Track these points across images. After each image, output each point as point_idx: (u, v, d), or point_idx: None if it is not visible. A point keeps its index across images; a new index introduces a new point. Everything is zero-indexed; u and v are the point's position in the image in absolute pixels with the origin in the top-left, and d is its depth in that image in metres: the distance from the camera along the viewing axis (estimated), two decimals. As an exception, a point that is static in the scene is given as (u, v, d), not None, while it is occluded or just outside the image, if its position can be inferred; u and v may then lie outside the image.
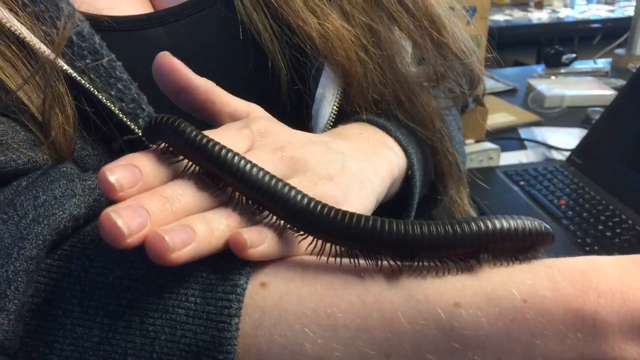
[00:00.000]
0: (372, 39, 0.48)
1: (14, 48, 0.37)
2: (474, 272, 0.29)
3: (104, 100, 0.39)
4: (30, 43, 0.37)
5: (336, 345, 0.27)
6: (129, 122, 0.40)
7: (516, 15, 3.30)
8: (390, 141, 0.49)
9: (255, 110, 0.41)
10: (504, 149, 1.39)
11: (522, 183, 1.26)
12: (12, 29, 0.37)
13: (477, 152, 1.32)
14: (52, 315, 0.28)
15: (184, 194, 0.30)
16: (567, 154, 1.37)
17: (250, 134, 0.36)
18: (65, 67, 0.38)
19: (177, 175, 0.31)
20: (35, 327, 0.28)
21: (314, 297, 0.29)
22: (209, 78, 0.45)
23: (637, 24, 2.08)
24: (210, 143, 0.30)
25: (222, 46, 0.47)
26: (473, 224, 0.29)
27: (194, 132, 0.31)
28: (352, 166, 0.40)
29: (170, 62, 0.36)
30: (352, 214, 0.29)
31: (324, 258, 0.31)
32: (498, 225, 0.29)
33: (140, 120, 0.41)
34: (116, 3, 0.45)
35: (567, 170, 1.31)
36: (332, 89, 0.47)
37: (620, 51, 2.17)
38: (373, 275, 0.29)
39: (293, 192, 0.30)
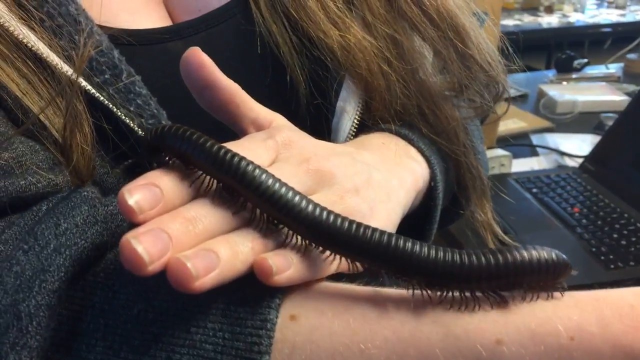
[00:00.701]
0: (395, 50, 0.47)
1: (30, 64, 0.37)
2: (516, 306, 0.28)
3: (123, 117, 0.38)
4: (47, 59, 0.37)
5: None
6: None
7: (526, 20, 3.29)
8: (413, 151, 0.48)
9: (278, 118, 0.40)
10: (516, 155, 1.38)
11: (534, 190, 1.25)
12: (29, 45, 0.36)
13: (489, 159, 1.31)
14: (76, 350, 0.28)
15: (207, 214, 0.29)
16: (580, 160, 1.36)
17: (275, 146, 0.35)
18: (84, 84, 0.37)
19: (198, 192, 0.30)
20: None
21: (346, 331, 0.28)
22: None
23: (650, 28, 2.07)
24: (229, 155, 0.29)
25: (241, 59, 0.47)
26: (503, 254, 0.28)
27: (209, 143, 0.29)
28: (378, 178, 0.39)
29: (199, 57, 0.35)
30: (382, 232, 0.28)
31: (355, 287, 0.30)
32: (527, 256, 0.28)
33: None
34: (135, 16, 0.44)
35: (580, 177, 1.30)
36: (353, 103, 0.47)
37: (632, 56, 2.16)
38: (408, 308, 0.28)
39: (320, 211, 0.29)
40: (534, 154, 1.46)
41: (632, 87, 1.86)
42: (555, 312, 0.27)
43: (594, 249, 1.05)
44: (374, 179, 0.38)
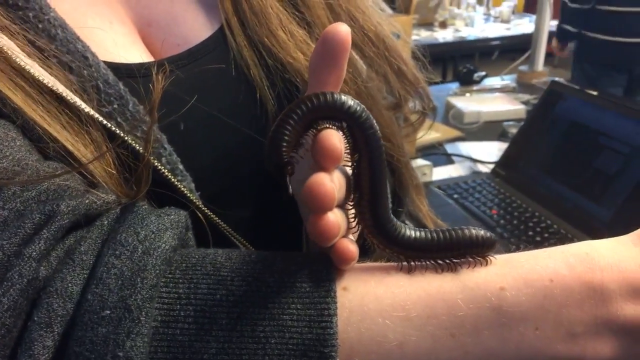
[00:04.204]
0: (349, 68, 0.54)
1: (50, 100, 0.41)
2: (509, 261, 0.37)
3: (132, 142, 0.43)
4: (63, 94, 0.41)
5: (412, 331, 0.34)
6: (156, 163, 0.44)
7: (423, 35, 3.55)
8: None
9: None
10: (434, 164, 1.52)
11: (455, 196, 1.39)
12: (47, 83, 0.40)
13: (411, 169, 1.44)
14: (171, 335, 0.32)
15: (341, 187, 0.35)
16: (491, 166, 1.53)
17: None
18: (97, 115, 0.42)
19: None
20: (156, 347, 0.32)
21: (388, 294, 0.35)
22: (208, 112, 0.50)
23: (537, 43, 2.34)
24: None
25: (221, 83, 0.53)
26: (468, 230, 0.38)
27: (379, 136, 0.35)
28: None
29: (347, 43, 0.37)
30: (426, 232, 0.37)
31: (381, 263, 0.38)
32: (475, 233, 0.38)
33: (163, 158, 0.45)
34: (127, 52, 0.49)
35: (493, 181, 1.46)
36: None
37: (523, 68, 2.43)
38: (429, 272, 0.37)
39: (400, 227, 0.37)
40: (450, 162, 1.61)
41: (526, 97, 2.10)
42: (536, 263, 0.37)
43: (513, 247, 1.19)
44: None
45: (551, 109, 1.45)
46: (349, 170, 0.37)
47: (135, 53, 0.50)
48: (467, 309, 0.35)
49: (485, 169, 1.56)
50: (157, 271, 0.33)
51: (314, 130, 0.34)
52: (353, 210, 0.37)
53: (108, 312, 0.31)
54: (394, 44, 0.60)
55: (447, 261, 0.37)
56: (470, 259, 0.37)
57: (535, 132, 1.48)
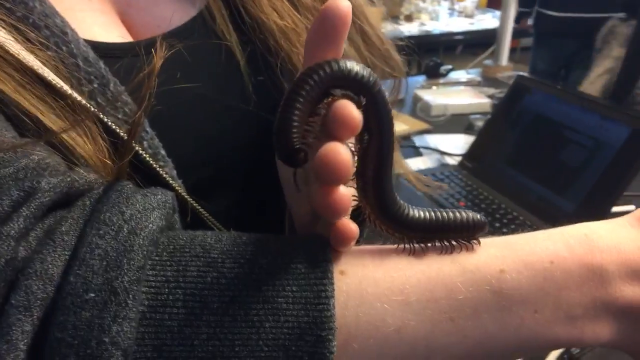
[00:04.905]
0: None
1: (30, 81, 0.39)
2: (508, 244, 0.37)
3: (111, 124, 0.41)
4: (39, 71, 0.39)
5: (411, 315, 0.33)
6: (137, 147, 0.42)
7: (389, 28, 3.55)
8: None
9: None
10: (403, 156, 1.53)
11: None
12: (20, 57, 0.38)
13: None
14: (159, 320, 0.31)
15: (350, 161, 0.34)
16: (459, 158, 1.54)
17: None
18: (76, 95, 0.40)
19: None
20: (143, 333, 0.30)
21: (387, 278, 0.34)
22: (191, 94, 0.50)
23: (502, 38, 2.38)
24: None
25: (202, 67, 0.52)
26: (466, 213, 0.38)
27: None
28: None
29: (347, 18, 0.35)
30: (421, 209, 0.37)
31: (379, 246, 0.37)
32: (465, 215, 0.38)
33: (144, 142, 0.44)
34: (107, 31, 0.47)
35: (460, 173, 1.48)
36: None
37: (488, 62, 2.47)
38: (428, 254, 0.36)
39: (402, 206, 0.36)
40: (418, 154, 1.62)
41: (491, 90, 2.14)
42: (537, 245, 0.37)
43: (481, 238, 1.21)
44: None
45: (517, 102, 1.48)
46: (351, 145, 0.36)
47: (115, 33, 0.49)
48: (467, 292, 0.35)
49: (452, 161, 1.57)
50: (144, 252, 0.31)
51: (321, 109, 0.32)
52: (354, 186, 0.36)
53: (92, 295, 0.29)
54: (358, 3, 0.58)
55: (440, 243, 0.37)
56: (463, 242, 0.37)
57: (502, 126, 1.50)
